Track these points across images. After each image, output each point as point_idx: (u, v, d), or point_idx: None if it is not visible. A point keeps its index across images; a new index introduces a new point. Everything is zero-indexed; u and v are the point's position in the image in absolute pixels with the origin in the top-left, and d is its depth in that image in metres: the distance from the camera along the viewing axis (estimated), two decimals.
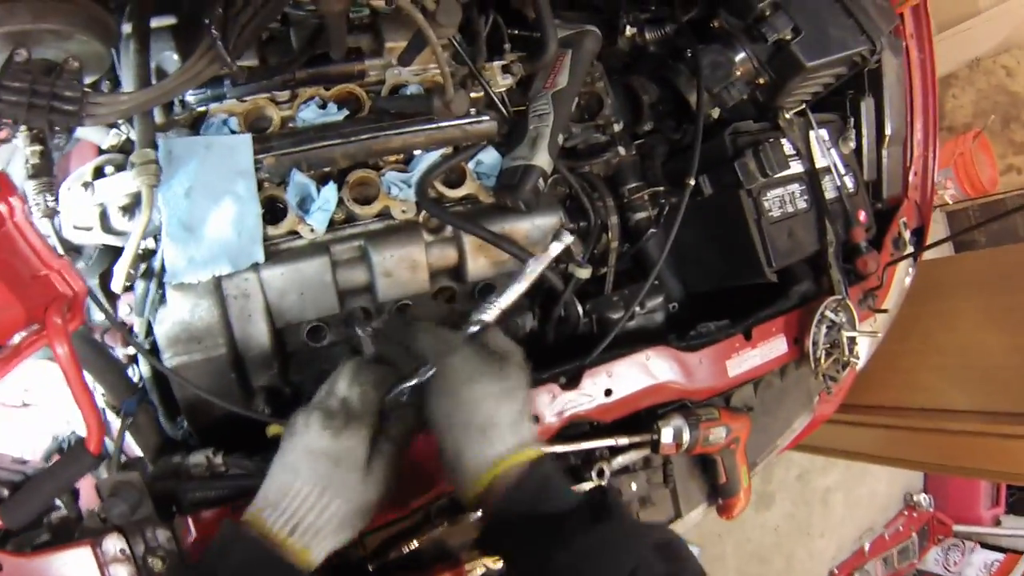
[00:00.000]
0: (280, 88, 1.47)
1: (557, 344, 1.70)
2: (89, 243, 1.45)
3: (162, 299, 1.36)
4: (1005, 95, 4.63)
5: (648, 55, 1.95)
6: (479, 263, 1.55)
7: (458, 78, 1.55)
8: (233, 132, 1.42)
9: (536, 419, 1.49)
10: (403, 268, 1.46)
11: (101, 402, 1.42)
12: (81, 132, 1.48)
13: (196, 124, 1.45)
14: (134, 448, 1.42)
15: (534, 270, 1.26)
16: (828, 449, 3.73)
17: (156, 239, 1.38)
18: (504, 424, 1.08)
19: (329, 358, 1.51)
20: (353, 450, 1.08)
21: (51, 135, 1.27)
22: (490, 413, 1.08)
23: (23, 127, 1.26)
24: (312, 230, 1.42)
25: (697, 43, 1.79)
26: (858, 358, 1.90)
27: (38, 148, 1.31)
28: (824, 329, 1.82)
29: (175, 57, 1.41)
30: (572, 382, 1.54)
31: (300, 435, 1.09)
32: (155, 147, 1.32)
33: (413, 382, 1.17)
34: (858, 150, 2.07)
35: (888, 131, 2.10)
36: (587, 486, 1.59)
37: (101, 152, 1.48)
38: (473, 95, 1.55)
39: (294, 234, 1.42)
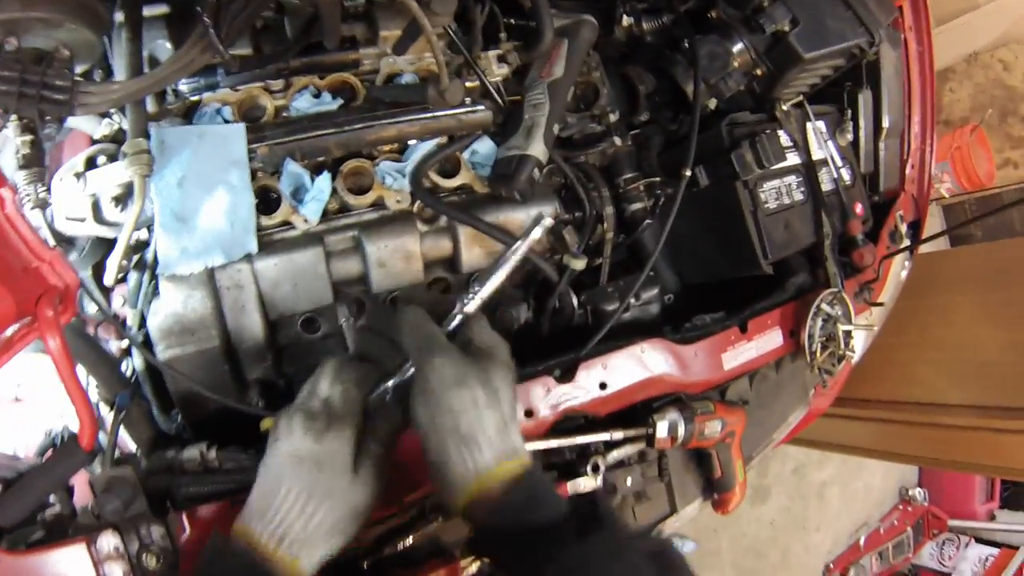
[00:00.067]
0: (274, 77, 1.46)
1: (552, 336, 1.69)
2: (81, 234, 1.44)
3: (155, 291, 1.35)
4: (1002, 89, 4.64)
5: (645, 45, 1.94)
6: (474, 253, 1.54)
7: (453, 67, 1.54)
8: (226, 121, 1.41)
9: (530, 413, 1.49)
10: (397, 259, 1.45)
11: (94, 396, 1.42)
12: (73, 122, 1.47)
13: (189, 113, 1.44)
14: (128, 443, 1.41)
15: (515, 255, 1.21)
16: (824, 443, 3.73)
17: (149, 230, 1.38)
18: (489, 434, 1.03)
19: (323, 350, 1.50)
20: (337, 453, 1.04)
21: (42, 125, 1.26)
22: (474, 422, 1.03)
23: (13, 116, 1.25)
24: (306, 220, 1.41)
25: (694, 33, 1.77)
26: (854, 351, 1.90)
27: (28, 138, 1.29)
28: (820, 322, 1.82)
29: (168, 46, 1.40)
30: (567, 375, 1.53)
31: (282, 439, 1.05)
32: (148, 137, 1.31)
33: (395, 381, 1.15)
34: (855, 142, 2.06)
35: (885, 124, 2.09)
36: (581, 483, 1.58)
37: (93, 142, 1.47)
38: (468, 84, 1.54)
39: (288, 224, 1.41)
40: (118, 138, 1.46)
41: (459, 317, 1.19)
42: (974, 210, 4.88)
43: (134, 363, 1.47)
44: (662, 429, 1.61)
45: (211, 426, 1.40)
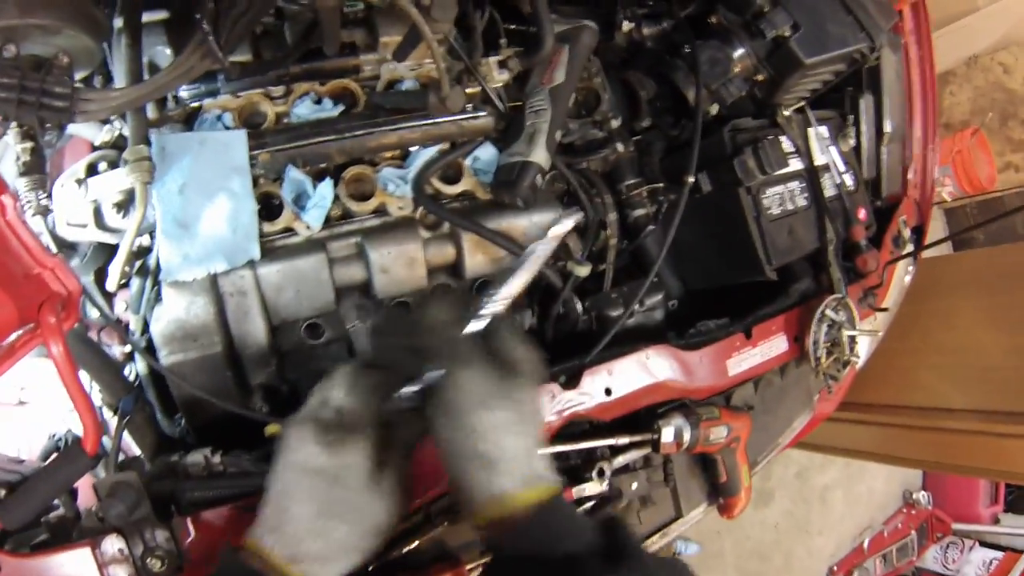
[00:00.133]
0: (274, 83, 1.46)
1: (556, 342, 1.69)
2: (83, 240, 1.44)
3: (157, 297, 1.35)
4: (1003, 92, 4.63)
5: (646, 51, 1.94)
6: (477, 260, 1.54)
7: (454, 73, 1.54)
8: (227, 128, 1.41)
9: None
10: (400, 265, 1.45)
11: (98, 401, 1.42)
12: (73, 128, 1.47)
13: (190, 120, 1.44)
14: (132, 447, 1.41)
15: (541, 253, 1.20)
16: (827, 447, 3.73)
17: (151, 236, 1.38)
18: (514, 458, 0.98)
19: (326, 355, 1.50)
20: (354, 467, 0.99)
21: (42, 132, 1.26)
22: (499, 444, 0.97)
23: (13, 124, 1.25)
24: (308, 227, 1.41)
25: (695, 39, 1.78)
26: (859, 357, 1.90)
27: (29, 145, 1.29)
28: (824, 328, 1.81)
29: (168, 52, 1.41)
30: (572, 381, 1.53)
31: (293, 451, 1.00)
32: (148, 143, 1.31)
33: (416, 388, 1.08)
34: (857, 148, 2.06)
35: (887, 128, 2.09)
36: (587, 488, 1.57)
37: (94, 148, 1.47)
38: (469, 91, 1.54)
39: (290, 231, 1.41)
40: (119, 144, 1.46)
41: (487, 319, 1.12)
42: (975, 214, 4.88)
43: (137, 368, 1.47)
44: (667, 434, 1.60)
45: (215, 431, 1.40)
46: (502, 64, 1.59)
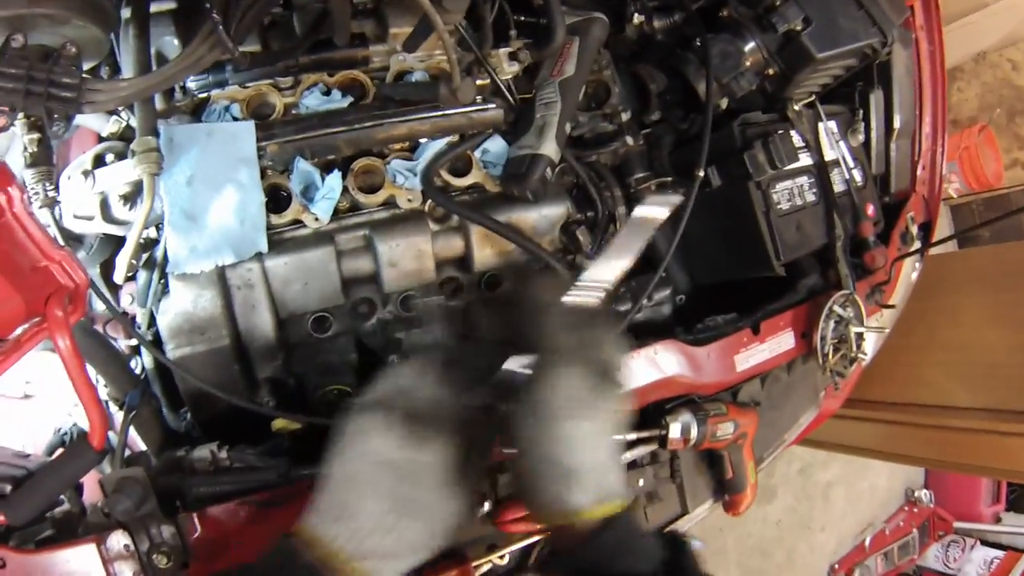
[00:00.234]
0: (283, 74, 1.45)
1: None
2: (90, 232, 1.43)
3: (165, 289, 1.34)
4: (1011, 89, 4.62)
5: (656, 43, 1.92)
6: (485, 253, 1.53)
7: (464, 65, 1.52)
8: (235, 119, 1.41)
9: None
10: (409, 258, 1.44)
11: (104, 395, 1.41)
12: (80, 119, 1.46)
13: (198, 111, 1.43)
14: (138, 442, 1.40)
15: (646, 233, 1.08)
16: (831, 444, 3.72)
17: (158, 228, 1.37)
18: (591, 472, 0.93)
19: (333, 349, 1.49)
20: (437, 465, 0.94)
21: (49, 123, 1.25)
22: (580, 458, 0.93)
23: (21, 115, 1.24)
24: (316, 219, 1.40)
25: (706, 32, 1.76)
26: (866, 354, 1.89)
27: (36, 136, 1.28)
28: (832, 324, 1.81)
29: (175, 42, 1.40)
30: None
31: (370, 441, 0.93)
32: (156, 134, 1.30)
33: (512, 375, 1.02)
34: (866, 143, 2.05)
35: (897, 124, 2.08)
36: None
37: (101, 140, 1.46)
38: (479, 83, 1.53)
39: (298, 223, 1.40)
40: (126, 135, 1.45)
41: (590, 307, 1.04)
42: (982, 210, 4.86)
43: (143, 362, 1.46)
44: (675, 430, 1.60)
45: (221, 425, 1.39)
46: (512, 56, 1.58)
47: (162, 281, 1.35)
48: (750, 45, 1.73)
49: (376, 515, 0.90)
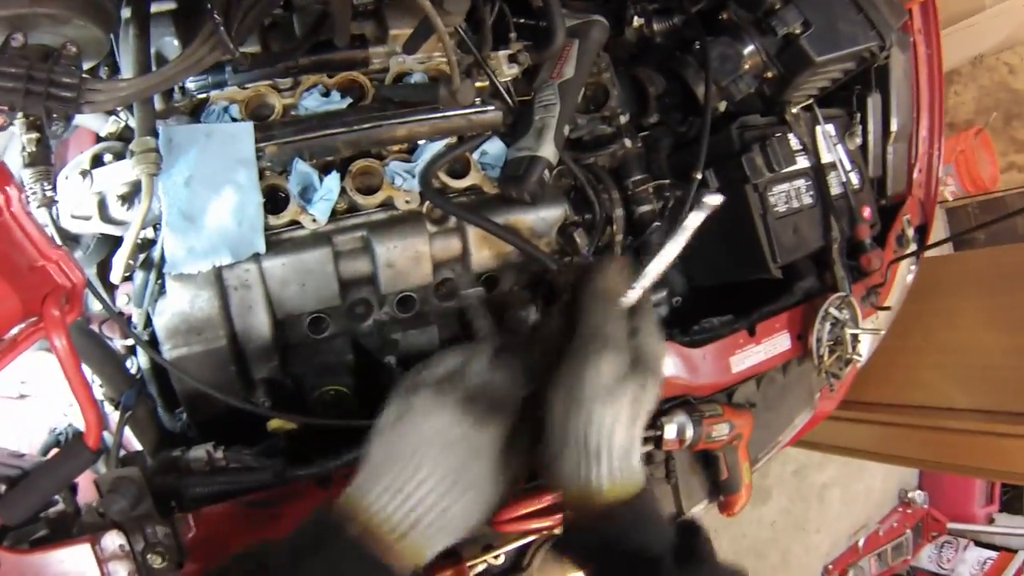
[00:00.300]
0: (282, 75, 1.45)
1: None
2: (87, 232, 1.43)
3: (161, 290, 1.34)
4: (1007, 92, 4.62)
5: (655, 46, 1.93)
6: (483, 255, 1.53)
7: (463, 67, 1.52)
8: (234, 120, 1.40)
9: None
10: (406, 259, 1.44)
11: (99, 395, 1.41)
12: (79, 119, 1.45)
13: (197, 111, 1.42)
14: (133, 442, 1.40)
15: (691, 226, 1.07)
16: (826, 445, 3.73)
17: (155, 228, 1.37)
18: (617, 452, 0.96)
19: (330, 350, 1.49)
20: (493, 443, 0.97)
21: (48, 122, 1.24)
22: (609, 438, 0.96)
23: (20, 114, 1.23)
24: (314, 220, 1.40)
25: (705, 35, 1.77)
26: (861, 355, 1.90)
27: (35, 136, 1.28)
28: (828, 326, 1.82)
29: (175, 43, 1.39)
30: None
31: (427, 416, 0.96)
32: (155, 135, 1.30)
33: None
34: (864, 146, 2.05)
35: (894, 127, 2.09)
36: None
37: (99, 140, 1.46)
38: (478, 84, 1.53)
39: (296, 224, 1.40)
40: (124, 136, 1.45)
41: (638, 296, 1.07)
42: (977, 213, 4.87)
43: (140, 362, 1.46)
44: (670, 431, 1.60)
45: (217, 425, 1.39)
46: (512, 58, 1.58)
47: (159, 281, 1.34)
48: (749, 48, 1.74)
49: (431, 484, 0.93)
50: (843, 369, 1.90)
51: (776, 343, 1.81)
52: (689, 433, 1.62)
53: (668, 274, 1.87)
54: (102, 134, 1.45)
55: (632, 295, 1.06)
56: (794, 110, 1.84)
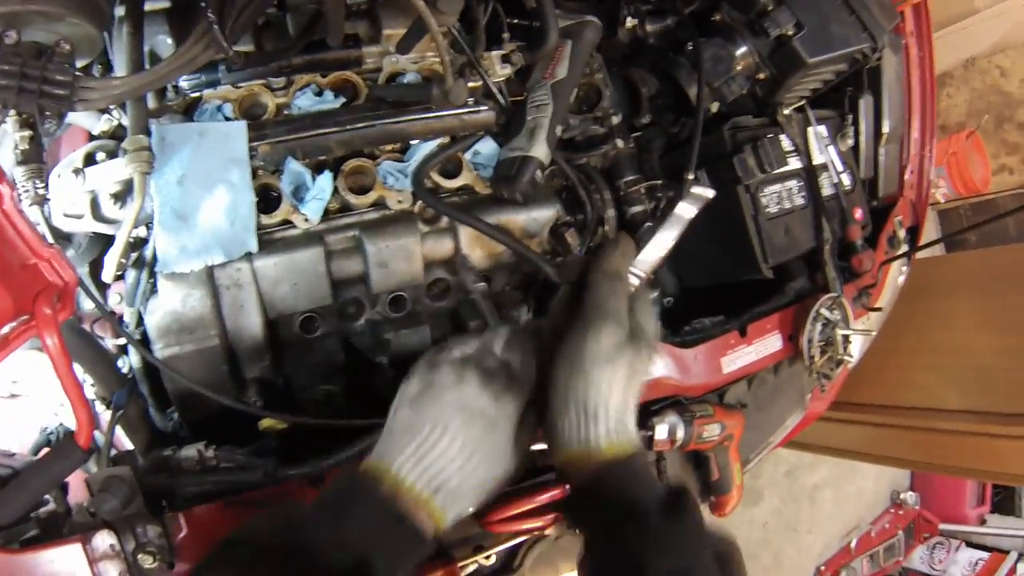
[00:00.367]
0: (276, 74, 1.45)
1: None
2: (79, 231, 1.42)
3: (153, 289, 1.34)
4: (999, 95, 4.63)
5: (648, 47, 1.93)
6: (475, 254, 1.54)
7: (456, 67, 1.52)
8: (227, 119, 1.40)
9: None
10: (398, 259, 1.45)
11: (91, 394, 1.41)
12: (71, 117, 1.45)
13: (190, 110, 1.43)
14: (124, 441, 1.40)
15: (685, 215, 1.21)
16: (818, 446, 3.74)
17: (148, 227, 1.36)
18: (610, 413, 1.02)
19: (322, 349, 1.49)
20: (510, 416, 1.04)
21: (41, 120, 1.24)
22: (606, 399, 1.02)
23: (12, 111, 1.23)
24: (306, 219, 1.40)
25: (698, 36, 1.77)
26: (852, 356, 1.90)
27: (27, 133, 1.27)
28: (819, 327, 1.82)
29: (169, 41, 1.39)
30: None
31: (450, 389, 1.02)
32: (148, 133, 1.30)
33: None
34: (855, 147, 2.05)
35: (886, 129, 2.09)
36: None
37: (92, 138, 1.46)
38: (471, 84, 1.53)
39: (288, 223, 1.40)
40: (117, 134, 1.44)
41: (639, 279, 1.16)
42: (969, 215, 4.89)
43: (131, 361, 1.46)
44: (661, 432, 1.60)
45: (209, 425, 1.39)
46: (505, 58, 1.58)
47: (151, 280, 1.34)
48: (742, 49, 1.74)
49: (452, 452, 0.99)
50: (834, 370, 1.90)
51: (767, 344, 1.81)
52: (680, 433, 1.62)
53: (659, 275, 1.87)
54: (95, 132, 1.45)
55: (632, 280, 1.14)
56: (786, 111, 1.84)
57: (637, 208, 1.78)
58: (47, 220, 1.35)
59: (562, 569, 1.68)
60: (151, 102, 1.39)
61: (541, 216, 1.54)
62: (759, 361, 1.80)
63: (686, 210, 1.21)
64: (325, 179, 1.41)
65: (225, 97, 1.41)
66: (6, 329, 1.04)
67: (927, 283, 2.90)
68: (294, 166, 1.40)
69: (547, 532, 1.56)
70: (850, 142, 2.00)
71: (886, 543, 4.88)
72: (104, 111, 1.44)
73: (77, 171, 1.37)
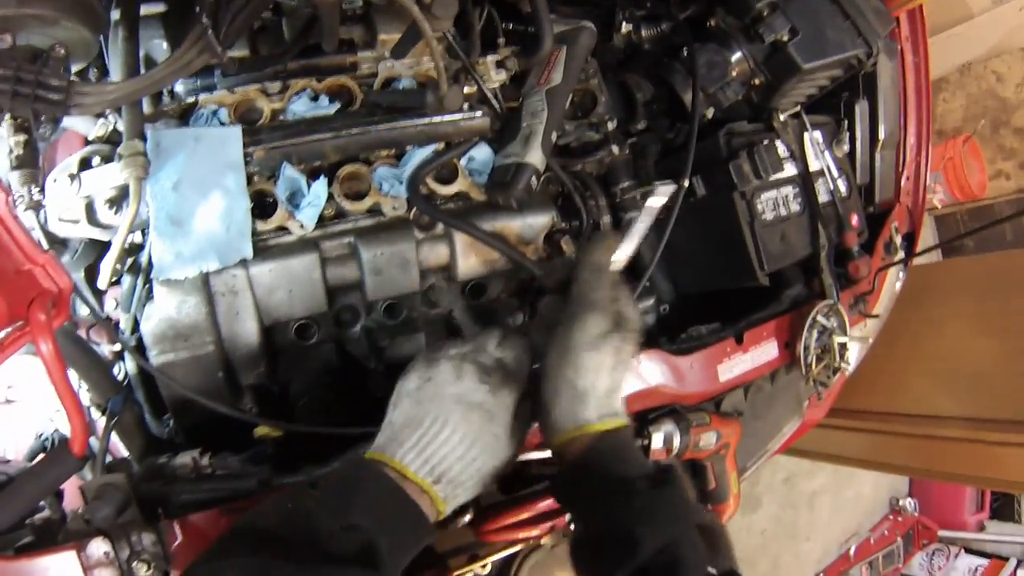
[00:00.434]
0: (271, 79, 1.45)
1: None
2: (75, 236, 1.42)
3: (149, 295, 1.34)
4: (995, 100, 4.64)
5: (643, 52, 1.93)
6: (470, 261, 1.53)
7: (451, 72, 1.53)
8: (223, 124, 1.40)
9: None
10: (393, 266, 1.44)
11: (86, 400, 1.40)
12: (67, 121, 1.45)
13: (185, 115, 1.43)
14: (120, 448, 1.39)
15: (654, 208, 1.31)
16: (815, 453, 3.72)
17: (143, 233, 1.36)
18: (599, 395, 1.08)
19: (317, 356, 1.49)
20: (507, 409, 1.09)
21: (36, 124, 1.24)
22: (594, 382, 1.08)
23: (7, 116, 1.23)
24: (302, 226, 1.40)
25: (693, 41, 1.77)
26: (849, 364, 1.89)
27: (23, 138, 1.27)
28: (816, 334, 1.81)
29: (165, 46, 1.40)
30: None
31: (449, 384, 1.08)
32: (143, 138, 1.30)
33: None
34: (851, 153, 2.05)
35: (882, 134, 2.08)
36: None
37: (88, 142, 1.46)
38: (466, 90, 1.53)
39: (283, 230, 1.40)
40: (113, 139, 1.44)
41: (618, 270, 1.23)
42: (966, 221, 4.89)
43: (126, 368, 1.45)
44: (657, 440, 1.59)
45: (204, 431, 1.39)
46: (500, 64, 1.58)
47: (146, 286, 1.34)
48: (737, 55, 1.74)
49: (453, 442, 1.04)
50: (831, 378, 1.89)
51: (764, 351, 1.80)
52: (676, 442, 1.61)
53: (656, 282, 1.87)
54: (91, 137, 1.45)
55: (615, 267, 1.22)
56: (782, 117, 1.83)
57: (633, 214, 1.77)
58: (42, 225, 1.35)
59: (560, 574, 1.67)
60: (147, 107, 1.39)
61: (536, 222, 1.55)
62: (755, 369, 1.79)
63: (655, 201, 1.31)
64: (320, 185, 1.40)
65: (221, 102, 1.41)
66: (0, 335, 1.04)
67: (924, 289, 2.89)
68: (289, 172, 1.40)
69: (543, 541, 1.55)
70: (846, 148, 1.99)
71: (885, 550, 4.87)
72: (100, 115, 1.44)
73: (72, 176, 1.37)
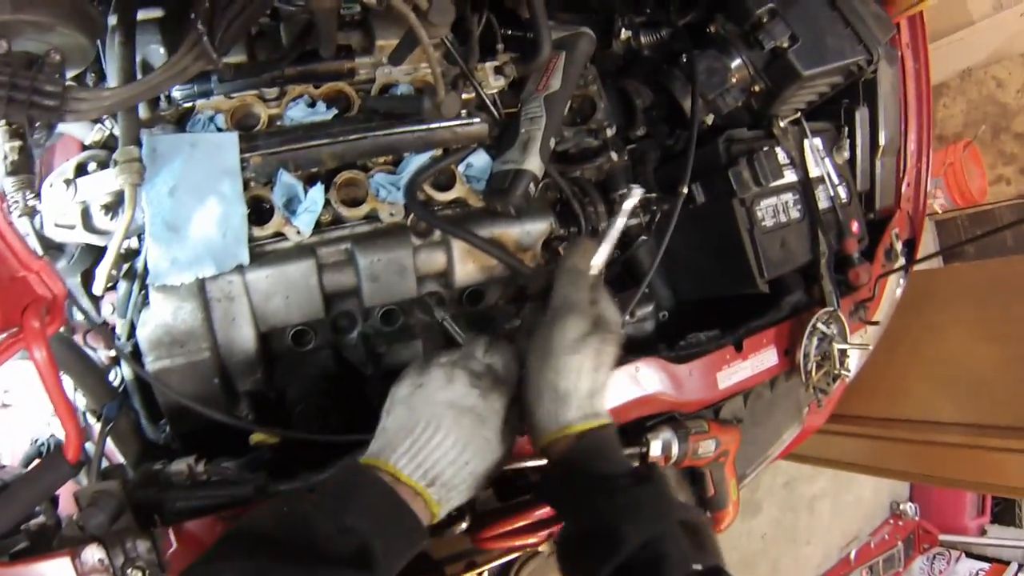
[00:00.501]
0: (268, 85, 1.45)
1: None
2: (70, 242, 1.42)
3: (145, 301, 1.33)
4: (995, 106, 4.64)
5: (643, 59, 1.93)
6: (468, 268, 1.53)
7: (449, 78, 1.52)
8: (219, 130, 1.40)
9: (522, 432, 1.48)
10: (390, 272, 1.44)
11: (81, 406, 1.40)
12: (63, 127, 1.45)
13: (182, 121, 1.42)
14: (115, 454, 1.39)
15: (620, 223, 1.34)
16: (816, 458, 3.72)
17: (139, 238, 1.36)
18: (581, 396, 1.11)
19: (314, 362, 1.48)
20: (497, 412, 1.11)
21: (31, 130, 1.24)
22: (576, 384, 1.11)
23: (2, 122, 1.23)
24: (298, 232, 1.39)
25: (693, 48, 1.77)
26: (849, 370, 1.89)
27: (18, 144, 1.27)
28: (815, 341, 1.81)
29: (161, 51, 1.39)
30: None
31: (441, 389, 1.10)
32: (139, 144, 1.30)
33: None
34: (852, 160, 2.05)
35: (882, 141, 2.09)
36: None
37: (84, 148, 1.45)
38: (464, 96, 1.52)
39: (280, 236, 1.40)
40: (109, 144, 1.44)
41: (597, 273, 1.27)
42: (966, 226, 4.89)
43: (122, 373, 1.45)
44: (656, 448, 1.59)
45: (200, 437, 1.38)
46: (498, 70, 1.58)
47: (142, 292, 1.34)
48: (736, 62, 1.74)
49: (446, 446, 1.06)
50: (831, 384, 1.88)
51: (763, 358, 1.80)
52: (675, 450, 1.60)
53: (655, 288, 1.86)
54: (87, 142, 1.45)
55: (592, 271, 1.25)
56: (782, 124, 1.83)
57: (632, 221, 1.77)
58: (37, 231, 1.34)
59: None
60: (143, 112, 1.39)
61: (535, 229, 1.54)
62: (755, 376, 1.79)
63: (628, 204, 1.35)
64: (317, 191, 1.40)
65: (217, 108, 1.41)
66: None
67: (924, 295, 2.89)
68: (286, 178, 1.39)
69: (540, 548, 1.55)
70: (846, 154, 1.99)
71: (885, 554, 4.87)
72: (96, 121, 1.44)
73: (68, 182, 1.37)
